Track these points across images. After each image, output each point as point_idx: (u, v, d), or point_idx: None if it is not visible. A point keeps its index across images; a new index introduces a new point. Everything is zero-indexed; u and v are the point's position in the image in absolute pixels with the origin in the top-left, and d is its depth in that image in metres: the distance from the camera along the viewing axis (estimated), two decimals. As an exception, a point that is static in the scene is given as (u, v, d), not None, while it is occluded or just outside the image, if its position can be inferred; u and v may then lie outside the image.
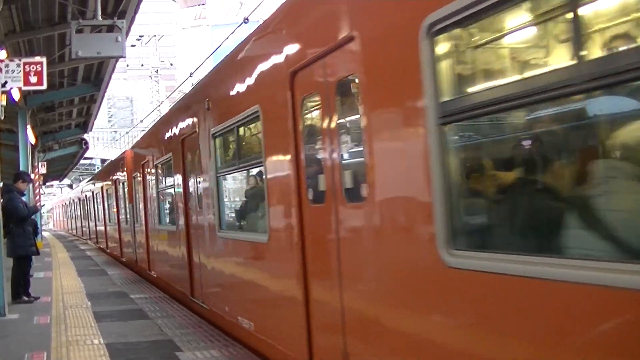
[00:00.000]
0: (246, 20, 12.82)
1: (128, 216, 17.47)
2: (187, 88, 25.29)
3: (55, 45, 15.69)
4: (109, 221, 23.25)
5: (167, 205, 12.94)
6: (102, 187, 24.54)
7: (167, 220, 12.76)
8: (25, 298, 11.44)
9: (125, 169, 17.04)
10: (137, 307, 10.61)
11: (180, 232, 10.47)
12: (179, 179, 10.48)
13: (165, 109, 37.83)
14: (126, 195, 17.31)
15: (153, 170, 13.19)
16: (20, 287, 11.53)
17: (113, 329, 8.76)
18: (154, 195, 13.30)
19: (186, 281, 10.07)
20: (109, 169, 23.40)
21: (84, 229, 36.40)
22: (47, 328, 8.98)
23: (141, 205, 14.96)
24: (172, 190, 11.53)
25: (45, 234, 39.13)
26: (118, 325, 9.07)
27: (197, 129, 8.94)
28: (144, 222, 14.57)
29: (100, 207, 25.56)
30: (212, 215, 8.33)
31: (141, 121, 43.27)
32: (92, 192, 28.84)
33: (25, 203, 12.15)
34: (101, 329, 8.77)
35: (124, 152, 18.76)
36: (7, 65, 11.06)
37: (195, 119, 9.16)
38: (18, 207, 11.35)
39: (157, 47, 63.32)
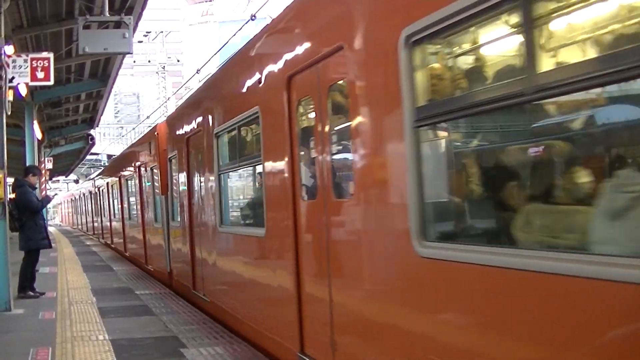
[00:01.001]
0: (253, 17, 12.81)
1: (158, 212, 13.50)
2: (194, 84, 25.27)
3: (62, 41, 15.69)
4: (129, 218, 18.87)
5: (243, 196, 8.97)
6: (120, 177, 20.19)
7: (243, 220, 8.56)
8: (31, 293, 11.50)
9: (155, 150, 13.16)
10: (142, 303, 10.62)
11: (275, 242, 6.38)
12: (277, 148, 6.07)
13: (172, 106, 37.52)
14: (156, 185, 13.41)
15: (211, 144, 8.60)
16: (27, 281, 11.64)
17: (118, 324, 8.77)
18: (211, 181, 8.76)
19: (288, 326, 5.97)
20: (130, 153, 18.68)
21: (95, 224, 32.50)
22: (52, 323, 8.99)
23: (182, 198, 10.95)
24: (257, 171, 7.37)
25: (51, 229, 39.24)
26: (123, 321, 9.07)
27: (349, 43, 4.60)
28: (186, 221, 10.50)
29: (117, 200, 21.48)
30: (396, 212, 4.09)
31: (147, 117, 43.36)
32: (107, 184, 24.54)
33: (37, 197, 12.30)
34: (106, 324, 8.78)
35: (154, 128, 14.39)
36: (14, 61, 11.07)
37: (342, 26, 4.82)
38: (32, 200, 11.56)
39: (164, 43, 63.29)
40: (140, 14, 13.92)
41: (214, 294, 9.20)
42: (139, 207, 16.21)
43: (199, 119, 9.56)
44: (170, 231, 12.26)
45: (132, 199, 18.43)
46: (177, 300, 10.84)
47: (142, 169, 15.43)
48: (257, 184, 7.54)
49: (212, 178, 8.71)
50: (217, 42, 58.30)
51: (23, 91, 13.37)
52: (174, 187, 11.93)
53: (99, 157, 50.40)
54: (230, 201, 8.98)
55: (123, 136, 55.65)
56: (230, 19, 72.99)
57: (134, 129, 50.52)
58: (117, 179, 20.93)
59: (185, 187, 10.53)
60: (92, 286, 13.00)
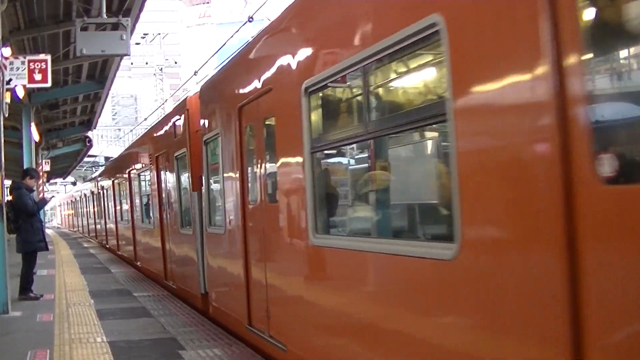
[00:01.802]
0: (251, 19, 12.82)
1: (185, 214, 11.02)
2: (191, 87, 25.22)
3: (60, 42, 15.69)
4: (142, 222, 15.75)
5: (377, 186, 5.20)
6: (129, 173, 17.26)
7: (380, 226, 5.10)
8: (31, 294, 11.53)
9: (184, 132, 10.42)
10: (140, 305, 10.61)
11: (492, 273, 3.15)
12: (501, 87, 3.08)
13: (169, 108, 37.49)
14: (184, 178, 10.92)
15: (294, 107, 5.41)
16: (28, 283, 11.67)
17: (116, 327, 8.75)
18: (293, 165, 5.69)
19: None
20: (145, 142, 15.45)
21: (97, 227, 29.54)
22: (50, 326, 8.96)
23: (229, 194, 7.76)
24: (426, 137, 4.72)
25: (49, 231, 39.19)
26: (121, 323, 9.06)
27: None
28: (236, 226, 7.47)
29: (126, 199, 18.51)
30: None
31: (145, 119, 43.37)
32: (113, 181, 21.46)
33: (34, 199, 12.30)
34: (104, 326, 8.76)
35: (182, 102, 11.11)
36: (11, 63, 11.11)
37: None
38: (27, 203, 11.55)
39: (162, 45, 63.23)
40: (138, 16, 13.92)
41: (305, 347, 5.70)
42: (155, 207, 13.29)
43: (267, 74, 6.29)
44: (206, 240, 9.21)
45: (145, 198, 15.55)
46: (175, 302, 10.82)
47: (162, 159, 12.43)
48: (427, 161, 4.70)
49: (295, 161, 5.60)
50: (214, 44, 58.22)
51: (20, 93, 13.37)
52: (214, 180, 8.94)
53: (97, 159, 50.43)
54: (337, 195, 5.86)
55: (120, 138, 55.66)
56: (228, 21, 72.98)
57: (131, 130, 50.51)
58: (127, 175, 17.77)
59: (237, 179, 7.35)
60: (90, 288, 12.97)
